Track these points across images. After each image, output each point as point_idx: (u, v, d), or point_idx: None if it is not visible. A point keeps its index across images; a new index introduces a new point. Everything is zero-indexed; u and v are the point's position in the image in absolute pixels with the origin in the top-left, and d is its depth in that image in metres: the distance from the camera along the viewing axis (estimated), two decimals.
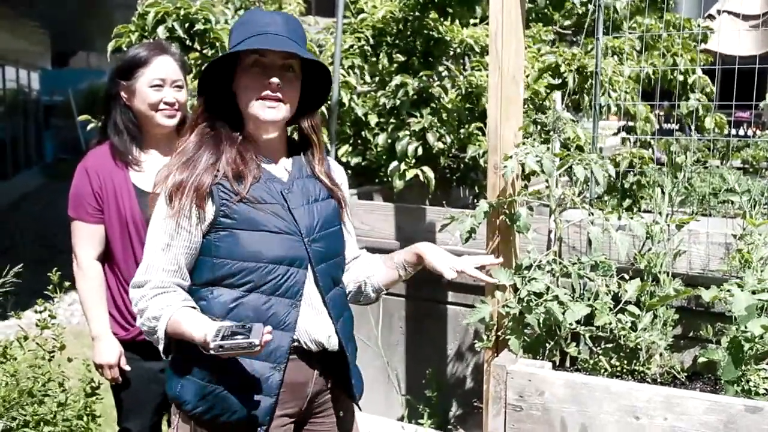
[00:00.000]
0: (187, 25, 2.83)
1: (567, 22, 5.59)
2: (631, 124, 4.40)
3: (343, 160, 3.75)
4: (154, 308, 1.61)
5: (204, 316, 1.60)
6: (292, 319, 1.65)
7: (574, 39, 5.61)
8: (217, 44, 2.87)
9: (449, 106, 3.65)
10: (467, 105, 3.74)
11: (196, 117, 1.70)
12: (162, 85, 2.23)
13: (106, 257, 2.30)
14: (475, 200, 4.05)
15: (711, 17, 8.14)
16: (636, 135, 4.13)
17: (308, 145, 1.81)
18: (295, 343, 1.67)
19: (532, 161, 2.19)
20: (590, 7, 4.73)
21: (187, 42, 2.90)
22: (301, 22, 1.73)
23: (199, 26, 2.85)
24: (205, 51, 2.93)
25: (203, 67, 1.68)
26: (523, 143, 2.29)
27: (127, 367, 2.29)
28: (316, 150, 1.81)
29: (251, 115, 1.66)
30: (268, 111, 1.65)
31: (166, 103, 2.23)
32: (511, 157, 2.24)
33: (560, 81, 3.40)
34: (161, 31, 2.82)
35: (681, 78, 4.45)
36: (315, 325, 1.70)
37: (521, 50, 2.38)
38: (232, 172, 1.63)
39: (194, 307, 1.63)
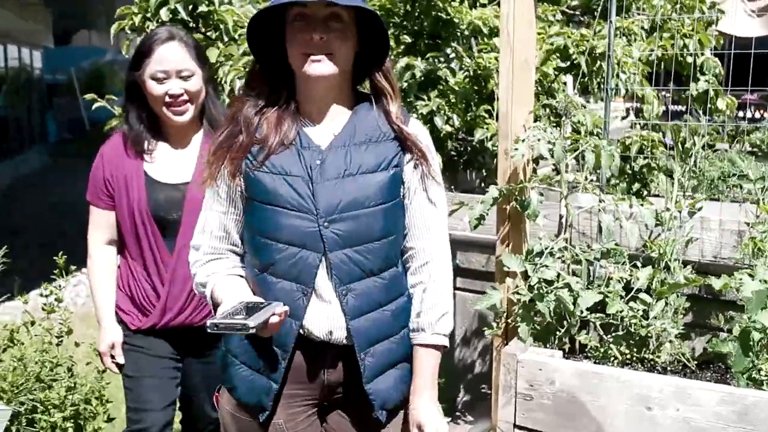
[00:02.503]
0: (190, 7, 2.78)
1: (574, 2, 5.51)
2: (638, 106, 4.34)
3: None
4: (201, 275, 1.61)
5: (238, 287, 1.56)
6: (301, 306, 1.54)
7: (581, 19, 5.53)
8: (221, 26, 2.82)
9: (456, 88, 3.59)
10: (475, 87, 3.68)
11: (250, 78, 1.62)
12: (166, 77, 2.06)
13: (120, 246, 2.23)
14: (482, 184, 4.01)
15: None
16: (646, 119, 4.08)
17: (378, 99, 1.60)
18: (302, 331, 1.57)
19: (543, 147, 2.16)
20: None
21: (191, 24, 2.85)
22: None
23: (202, 8, 2.80)
24: (209, 33, 2.89)
25: (247, 24, 1.54)
26: (534, 128, 2.25)
27: (120, 360, 2.20)
28: (388, 101, 1.58)
29: (298, 71, 1.53)
30: (315, 66, 1.49)
31: (171, 96, 2.06)
32: (522, 141, 2.20)
33: (569, 63, 3.34)
34: (164, 13, 2.78)
35: (690, 60, 4.38)
36: (320, 316, 1.55)
37: (533, 33, 2.33)
38: (261, 137, 1.54)
39: (241, 276, 1.61)
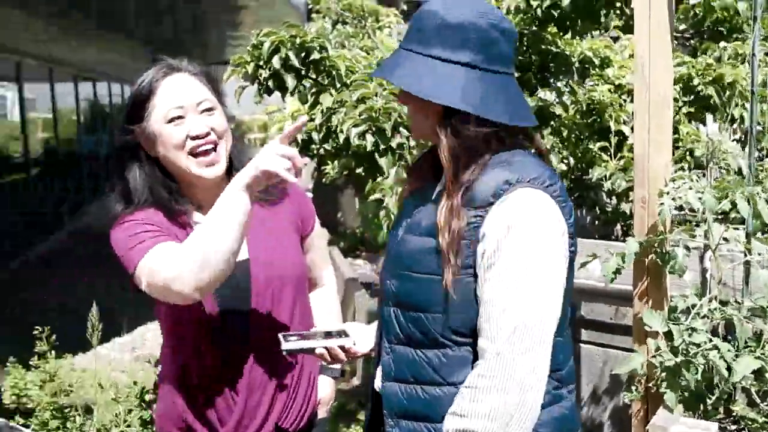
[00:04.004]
0: (302, 54, 2.75)
1: (682, 26, 5.25)
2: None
3: None
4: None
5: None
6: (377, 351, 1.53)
7: (688, 43, 5.26)
8: (333, 73, 2.77)
9: (568, 123, 3.43)
10: (588, 122, 3.51)
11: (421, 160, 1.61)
12: (182, 115, 1.55)
13: (171, 348, 1.70)
14: (596, 222, 3.80)
15: None
16: None
17: None
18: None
19: (692, 197, 1.97)
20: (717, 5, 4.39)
21: (302, 71, 2.82)
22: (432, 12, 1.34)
23: (314, 55, 2.76)
24: (320, 79, 2.85)
25: None
26: (678, 177, 2.07)
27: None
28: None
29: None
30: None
31: (195, 137, 1.54)
32: (667, 193, 2.03)
33: (693, 96, 3.12)
34: (276, 61, 2.75)
35: None
36: (381, 362, 1.48)
37: (671, 70, 2.16)
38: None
39: None
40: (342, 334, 1.58)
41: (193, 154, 1.55)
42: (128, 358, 5.72)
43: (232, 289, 1.58)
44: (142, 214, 1.55)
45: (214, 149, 1.56)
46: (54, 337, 3.68)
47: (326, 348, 1.54)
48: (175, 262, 1.43)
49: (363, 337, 1.60)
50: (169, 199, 1.58)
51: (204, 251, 1.40)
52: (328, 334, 1.57)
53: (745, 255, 2.19)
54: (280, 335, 1.54)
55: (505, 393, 1.24)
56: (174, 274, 1.42)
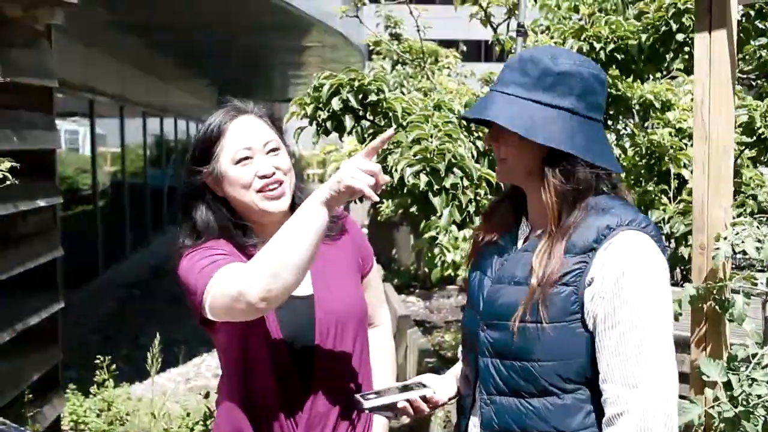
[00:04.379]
0: (360, 96, 2.82)
1: (747, 67, 5.15)
2: None
3: None
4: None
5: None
6: (467, 399, 1.52)
7: (754, 84, 5.16)
8: (390, 114, 2.83)
9: (627, 165, 3.40)
10: (647, 165, 3.47)
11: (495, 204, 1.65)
12: (250, 156, 1.59)
13: (229, 386, 1.68)
14: None
15: None
16: None
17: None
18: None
19: (750, 244, 1.93)
20: None
21: (360, 112, 2.89)
22: (535, 59, 1.38)
23: (372, 97, 2.83)
24: (377, 120, 2.91)
25: None
26: (739, 223, 2.03)
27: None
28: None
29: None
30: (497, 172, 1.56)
31: (262, 177, 1.58)
32: (724, 238, 1.99)
33: (755, 138, 3.06)
34: (335, 103, 2.83)
35: None
36: (474, 417, 1.50)
37: (732, 117, 2.13)
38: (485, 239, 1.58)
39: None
40: (419, 385, 1.55)
41: (261, 191, 1.59)
42: (183, 389, 5.82)
43: (296, 324, 1.61)
44: (212, 242, 1.60)
45: (279, 185, 1.61)
46: (114, 366, 3.79)
47: (408, 400, 1.51)
48: (246, 272, 1.44)
49: (441, 387, 1.59)
50: (236, 234, 1.62)
51: (276, 261, 1.39)
52: (405, 388, 1.54)
53: None
54: (357, 396, 1.52)
55: None
56: (243, 284, 1.41)
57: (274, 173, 1.59)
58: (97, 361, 3.81)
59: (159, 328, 3.62)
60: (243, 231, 1.63)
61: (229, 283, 1.44)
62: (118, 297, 9.78)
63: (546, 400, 1.35)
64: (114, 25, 8.83)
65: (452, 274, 4.38)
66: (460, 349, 1.63)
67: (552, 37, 3.63)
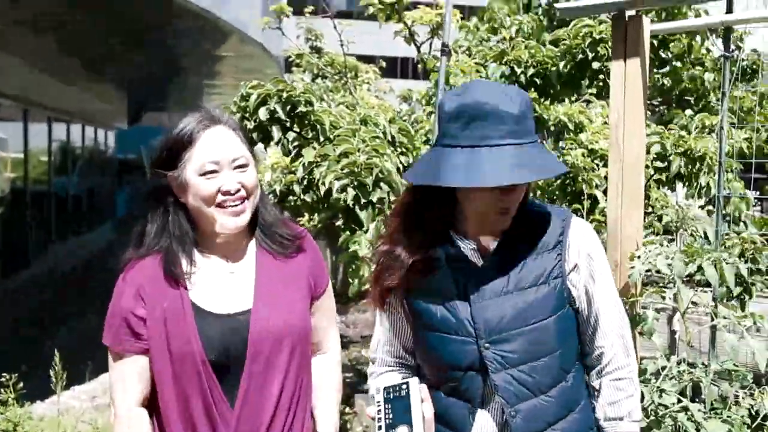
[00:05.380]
0: (288, 107, 2.82)
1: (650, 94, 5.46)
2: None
3: None
4: (372, 388, 1.60)
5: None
6: (468, 424, 1.47)
7: (656, 110, 5.47)
8: (318, 127, 2.84)
9: (541, 185, 3.53)
10: (561, 184, 3.61)
11: (412, 200, 1.51)
12: (217, 170, 1.57)
13: (151, 402, 1.64)
14: None
15: None
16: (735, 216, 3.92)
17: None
18: None
19: (661, 262, 2.05)
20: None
21: (287, 124, 2.88)
22: (523, 98, 1.40)
23: (300, 108, 2.83)
24: (304, 132, 2.91)
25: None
26: (650, 242, 2.15)
27: None
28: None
29: (481, 217, 1.46)
30: (502, 218, 1.45)
31: (225, 193, 1.56)
32: (638, 257, 2.10)
33: (665, 164, 3.25)
34: (262, 113, 2.81)
35: None
36: None
37: (644, 140, 2.27)
38: (416, 260, 1.48)
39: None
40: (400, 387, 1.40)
41: (221, 206, 1.57)
42: (88, 407, 5.56)
43: (227, 339, 1.57)
44: (144, 277, 1.60)
45: (241, 203, 1.58)
46: (21, 384, 3.60)
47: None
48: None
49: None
50: (176, 249, 1.60)
51: None
52: (397, 391, 1.39)
53: (712, 319, 2.26)
54: None
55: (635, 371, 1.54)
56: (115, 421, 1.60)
57: (238, 190, 1.57)
58: (3, 379, 3.61)
59: (64, 341, 3.47)
60: (190, 242, 1.61)
61: (114, 400, 1.61)
62: (16, 306, 9.27)
63: (560, 387, 1.47)
64: (19, 24, 8.42)
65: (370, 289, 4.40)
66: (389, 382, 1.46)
67: (474, 59, 3.74)
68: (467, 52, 4.71)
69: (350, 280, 3.28)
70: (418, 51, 4.49)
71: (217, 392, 1.55)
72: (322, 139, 2.79)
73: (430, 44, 4.52)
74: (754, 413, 2.10)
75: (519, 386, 1.44)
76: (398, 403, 1.36)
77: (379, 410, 1.36)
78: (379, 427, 1.34)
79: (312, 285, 1.70)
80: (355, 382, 5.06)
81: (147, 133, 18.83)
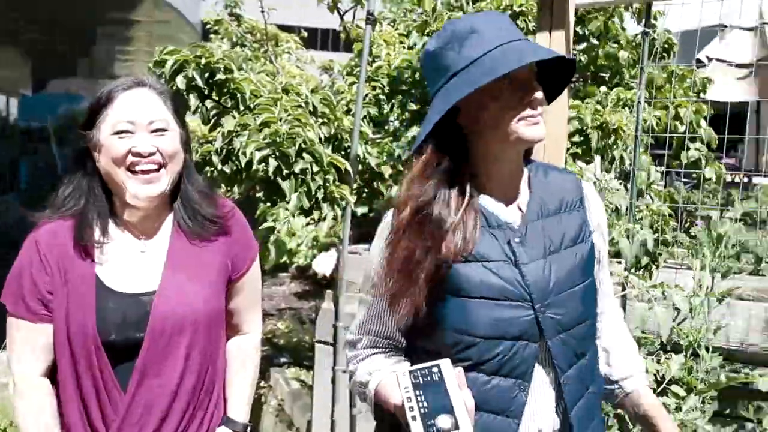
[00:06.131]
0: (207, 74, 2.72)
1: None
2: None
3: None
4: (361, 372, 1.41)
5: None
6: (519, 403, 1.33)
7: (573, 85, 5.61)
8: (238, 95, 2.75)
9: None
10: None
11: (423, 167, 1.35)
12: (131, 130, 1.47)
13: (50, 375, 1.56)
14: None
15: (700, 62, 8.26)
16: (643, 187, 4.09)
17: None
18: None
19: None
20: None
21: (206, 92, 2.78)
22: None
23: (219, 76, 2.73)
24: (223, 101, 2.82)
25: (435, 102, 1.33)
26: None
27: None
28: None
29: (510, 136, 1.32)
30: (535, 129, 1.32)
31: (136, 154, 1.46)
32: None
33: (582, 138, 3.34)
34: (180, 80, 2.70)
35: (682, 128, 4.45)
36: (541, 412, 1.35)
37: (565, 112, 2.31)
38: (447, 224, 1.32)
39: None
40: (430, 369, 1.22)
41: (132, 171, 1.47)
42: None
43: (126, 319, 1.49)
44: (52, 240, 1.51)
45: (157, 170, 1.49)
46: None
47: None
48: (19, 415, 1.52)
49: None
50: (90, 215, 1.52)
51: None
52: (427, 376, 1.21)
53: (623, 288, 2.35)
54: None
55: None
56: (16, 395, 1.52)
57: (152, 154, 1.47)
58: None
59: None
60: (103, 211, 1.52)
61: (11, 367, 1.54)
62: None
63: (591, 351, 1.42)
64: None
65: (288, 261, 4.34)
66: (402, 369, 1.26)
67: (397, 29, 3.72)
68: (392, 24, 4.69)
69: (266, 252, 3.22)
70: (342, 19, 4.43)
71: (109, 375, 1.48)
72: (242, 108, 2.71)
73: (354, 13, 4.47)
74: (659, 378, 2.20)
75: (569, 351, 1.36)
76: (432, 389, 1.17)
77: (409, 397, 1.15)
78: (413, 417, 1.13)
79: (229, 267, 1.62)
80: (270, 356, 5.03)
81: (53, 101, 17.99)
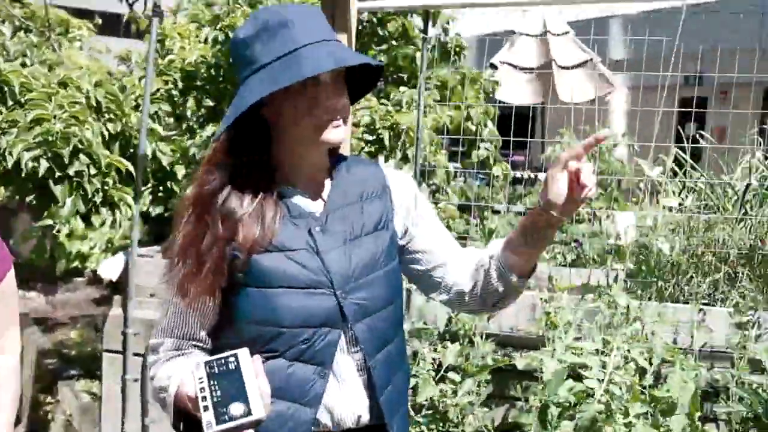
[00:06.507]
0: None
1: None
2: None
3: (144, 210, 3.49)
4: (161, 377, 1.33)
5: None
6: (316, 392, 1.33)
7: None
8: (6, 89, 2.54)
9: None
10: None
11: (215, 154, 1.34)
12: None
13: None
14: None
15: (493, 66, 8.87)
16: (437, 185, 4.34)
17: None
18: (321, 418, 1.34)
19: None
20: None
21: None
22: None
23: None
24: None
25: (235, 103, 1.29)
26: None
27: None
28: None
29: (313, 137, 1.32)
30: (336, 132, 1.32)
31: None
32: None
33: (375, 137, 3.46)
34: None
35: (473, 128, 4.78)
36: (342, 400, 1.35)
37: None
38: (247, 215, 1.31)
39: None
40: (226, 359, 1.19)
41: None
42: None
43: None
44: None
45: None
46: None
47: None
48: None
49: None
50: None
51: None
52: (223, 365, 1.19)
53: (408, 282, 2.48)
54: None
55: None
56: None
57: None
58: None
59: None
60: None
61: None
62: None
63: (398, 336, 1.44)
64: None
65: (79, 266, 4.08)
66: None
67: (194, 22, 3.62)
68: (194, 18, 4.55)
69: (56, 256, 3.02)
70: (131, 9, 4.23)
71: None
72: (11, 102, 2.51)
73: (145, 3, 4.28)
74: (437, 366, 2.35)
75: (375, 336, 1.37)
76: (227, 378, 1.17)
77: (202, 388, 1.16)
78: (205, 408, 1.13)
79: None
80: (59, 369, 4.71)
81: None
